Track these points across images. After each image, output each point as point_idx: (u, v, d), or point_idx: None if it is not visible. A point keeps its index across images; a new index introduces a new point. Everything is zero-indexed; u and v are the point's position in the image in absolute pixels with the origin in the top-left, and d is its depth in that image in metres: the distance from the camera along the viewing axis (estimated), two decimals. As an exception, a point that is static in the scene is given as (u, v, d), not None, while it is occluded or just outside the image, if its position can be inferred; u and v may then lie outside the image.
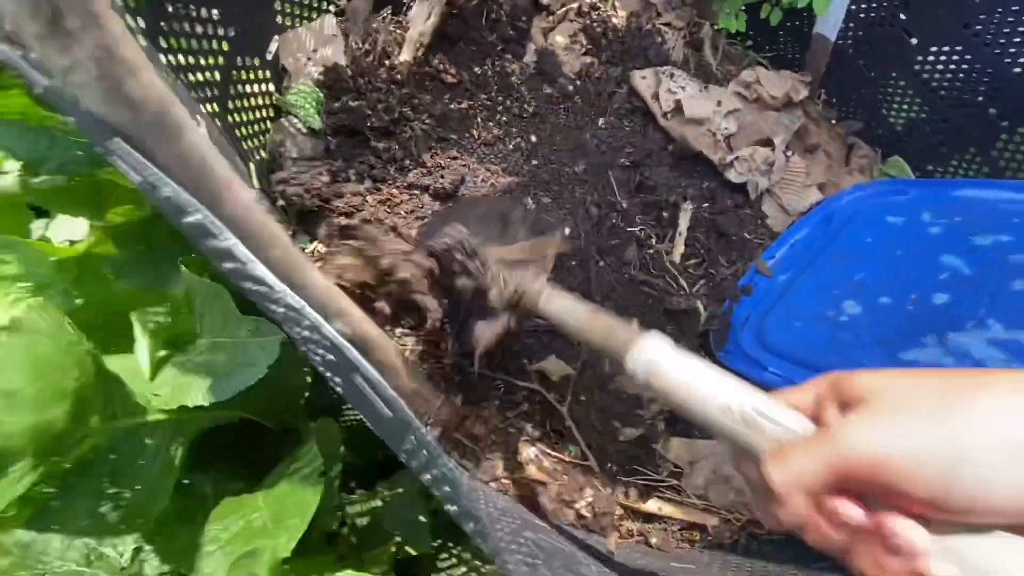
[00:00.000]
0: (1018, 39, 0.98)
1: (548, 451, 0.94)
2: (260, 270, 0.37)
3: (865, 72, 1.22)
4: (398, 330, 0.91)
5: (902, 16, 1.09)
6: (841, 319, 0.93)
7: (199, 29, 0.74)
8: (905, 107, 1.21)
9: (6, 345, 0.53)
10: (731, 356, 1.00)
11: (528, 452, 0.93)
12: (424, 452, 0.41)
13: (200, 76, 0.75)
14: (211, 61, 0.77)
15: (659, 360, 0.47)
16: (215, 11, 0.76)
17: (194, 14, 0.72)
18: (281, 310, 0.38)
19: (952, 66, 1.09)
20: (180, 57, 0.71)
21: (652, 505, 0.92)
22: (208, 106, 0.76)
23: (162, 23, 0.68)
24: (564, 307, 0.61)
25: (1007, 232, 0.90)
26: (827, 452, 0.33)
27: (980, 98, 1.08)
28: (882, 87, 1.22)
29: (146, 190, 0.33)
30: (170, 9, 0.68)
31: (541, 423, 0.95)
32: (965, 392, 0.31)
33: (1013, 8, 0.96)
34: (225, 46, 0.79)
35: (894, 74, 1.18)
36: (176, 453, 0.63)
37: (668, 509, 0.92)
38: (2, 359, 0.53)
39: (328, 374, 0.40)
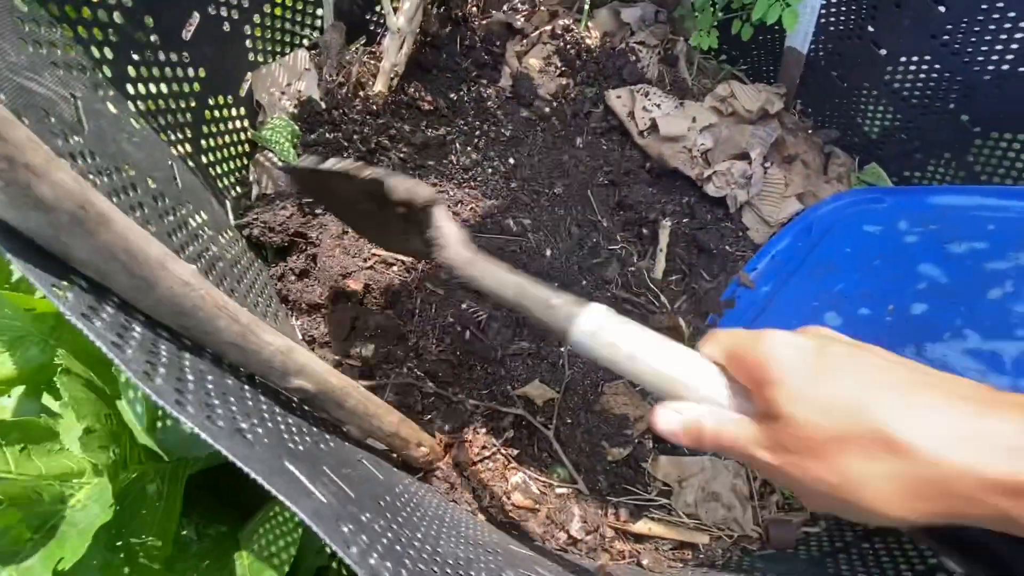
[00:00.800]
0: (985, 47, 1.00)
1: (536, 476, 0.93)
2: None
3: (838, 83, 1.24)
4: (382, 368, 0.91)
5: (870, 28, 1.11)
6: (822, 332, 0.94)
7: (168, 72, 0.75)
8: (879, 115, 1.22)
9: (68, 384, 0.54)
10: (716, 372, 1.00)
11: (515, 479, 0.93)
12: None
13: (172, 119, 0.75)
14: (183, 104, 0.77)
15: (603, 330, 0.47)
16: (184, 53, 0.77)
17: (163, 58, 0.73)
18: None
19: (922, 75, 1.10)
20: (150, 102, 0.71)
21: (642, 526, 0.91)
22: (181, 148, 0.76)
23: (130, 70, 0.68)
24: (489, 274, 0.58)
25: (982, 239, 0.91)
26: (742, 448, 0.38)
27: (952, 105, 1.10)
28: (855, 97, 1.23)
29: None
30: (137, 56, 0.69)
31: (528, 447, 0.95)
32: None
33: (979, 19, 0.97)
34: (196, 87, 0.80)
35: (866, 84, 1.19)
36: (177, 498, 0.63)
37: (658, 529, 0.92)
38: (74, 397, 0.53)
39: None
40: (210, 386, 0.41)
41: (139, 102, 0.69)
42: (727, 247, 1.17)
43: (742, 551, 0.97)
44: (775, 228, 1.21)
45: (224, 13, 0.81)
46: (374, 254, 0.95)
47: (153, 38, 0.70)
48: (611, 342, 0.46)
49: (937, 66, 1.07)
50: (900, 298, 0.90)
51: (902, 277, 0.93)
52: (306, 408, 0.61)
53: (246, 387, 0.50)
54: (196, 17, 0.76)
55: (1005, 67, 1.01)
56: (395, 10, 0.93)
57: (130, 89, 0.67)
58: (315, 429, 0.60)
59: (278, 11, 0.89)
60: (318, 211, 0.94)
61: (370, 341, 0.89)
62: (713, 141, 1.15)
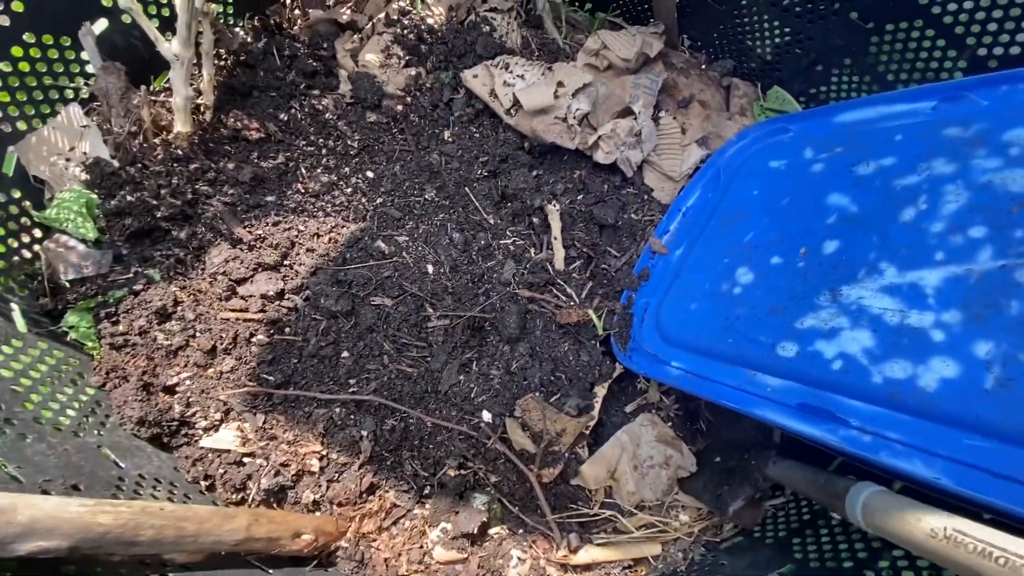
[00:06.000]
0: (854, -66, 0.88)
1: (459, 525, 0.82)
2: None
3: (717, 7, 1.12)
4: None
5: (730, -61, 0.98)
6: (735, 291, 0.83)
7: None
8: (767, 34, 1.10)
9: None
10: (634, 357, 0.89)
11: (434, 533, 0.82)
12: None
13: None
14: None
15: (869, 503, 0.57)
16: None
17: None
18: None
19: (797, -21, 0.98)
20: None
21: (585, 556, 0.81)
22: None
23: None
24: (787, 476, 0.75)
25: (890, 154, 0.80)
26: None
27: (836, 5, 0.98)
28: (738, 20, 1.11)
29: None
30: None
31: (447, 495, 0.84)
32: None
33: (838, -98, 0.85)
34: (-76, 182, 0.66)
35: (743, 3, 1.07)
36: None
37: (603, 554, 0.81)
38: None
39: None
40: None
41: None
42: (632, 215, 1.06)
43: (705, 547, 0.88)
44: (682, 182, 1.10)
45: (-63, 85, 0.66)
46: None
47: None
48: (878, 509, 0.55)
49: (810, -34, 0.95)
50: (811, 238, 0.79)
51: (811, 213, 0.82)
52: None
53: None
54: None
55: (882, -49, 0.89)
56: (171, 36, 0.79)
57: None
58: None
59: (24, 66, 0.74)
60: (147, 283, 0.80)
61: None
62: (590, 103, 1.03)
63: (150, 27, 0.75)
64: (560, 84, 1.00)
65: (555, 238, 0.98)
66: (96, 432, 0.70)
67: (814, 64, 1.08)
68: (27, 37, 0.74)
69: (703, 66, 1.23)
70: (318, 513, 0.79)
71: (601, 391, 0.92)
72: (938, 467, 0.53)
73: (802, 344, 0.69)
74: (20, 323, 0.71)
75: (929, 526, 0.49)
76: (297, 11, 1.04)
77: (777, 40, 1.10)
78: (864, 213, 0.76)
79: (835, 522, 0.78)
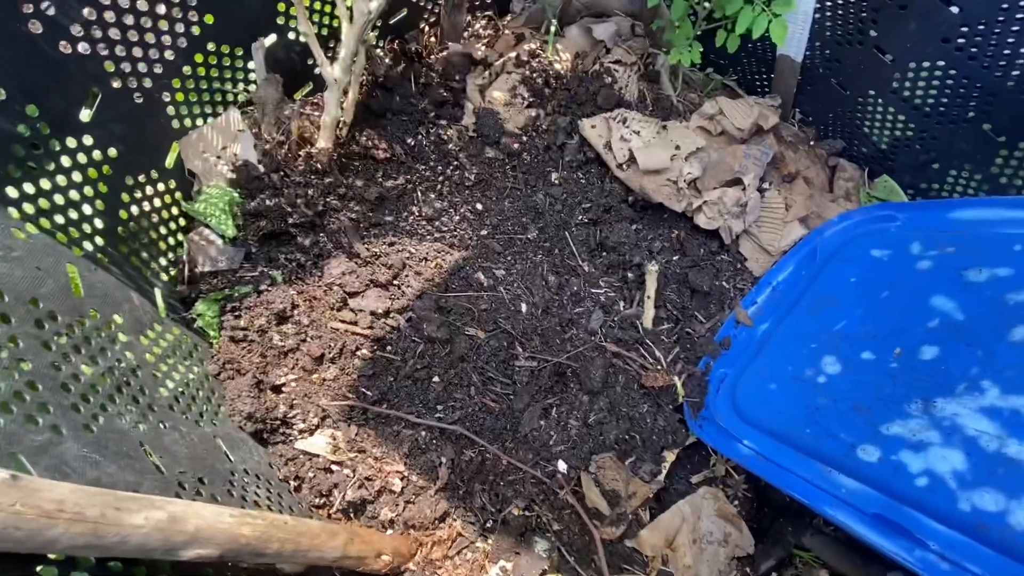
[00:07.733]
0: (1007, 51, 0.87)
1: (520, 568, 0.84)
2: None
3: (840, 91, 1.11)
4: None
5: (872, 33, 0.98)
6: (819, 380, 0.82)
7: (66, 162, 0.66)
8: (888, 125, 1.09)
9: None
10: (705, 427, 0.89)
11: (494, 570, 0.84)
12: None
13: (74, 213, 0.67)
14: (89, 192, 0.69)
15: None
16: (86, 137, 0.68)
17: (56, 148, 0.64)
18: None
19: (935, 82, 0.97)
20: (43, 201, 0.63)
21: (640, 621, 0.82)
22: (88, 244, 0.68)
23: (10, 169, 0.60)
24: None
25: (1006, 264, 0.77)
26: None
27: (971, 113, 0.97)
28: (860, 105, 1.10)
29: None
30: (19, 152, 0.60)
31: (509, 535, 0.86)
32: None
33: (999, 19, 0.84)
34: (107, 170, 0.72)
35: (871, 92, 1.06)
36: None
37: (658, 623, 0.82)
38: None
39: None
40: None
41: (25, 204, 0.61)
42: (723, 283, 1.06)
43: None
44: (777, 257, 1.10)
45: (133, 84, 0.72)
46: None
47: (39, 127, 0.62)
48: None
49: (952, 72, 0.94)
50: (908, 339, 0.78)
51: (912, 313, 0.80)
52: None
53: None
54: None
55: (1032, 70, 0.88)
56: (331, 59, 0.84)
57: (11, 192, 0.59)
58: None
59: (201, 71, 0.80)
60: (271, 283, 0.85)
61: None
62: (701, 168, 1.04)
63: (319, 52, 0.80)
64: (676, 147, 1.02)
65: (648, 296, 0.99)
66: (211, 422, 0.74)
67: (932, 162, 1.07)
68: (210, 46, 0.80)
69: (811, 142, 1.23)
70: (390, 531, 0.82)
71: (670, 456, 0.93)
72: (1020, 613, 0.52)
73: (885, 451, 0.68)
74: (161, 307, 0.77)
75: None
76: (434, 39, 1.09)
77: (897, 132, 1.09)
78: (970, 323, 0.74)
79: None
